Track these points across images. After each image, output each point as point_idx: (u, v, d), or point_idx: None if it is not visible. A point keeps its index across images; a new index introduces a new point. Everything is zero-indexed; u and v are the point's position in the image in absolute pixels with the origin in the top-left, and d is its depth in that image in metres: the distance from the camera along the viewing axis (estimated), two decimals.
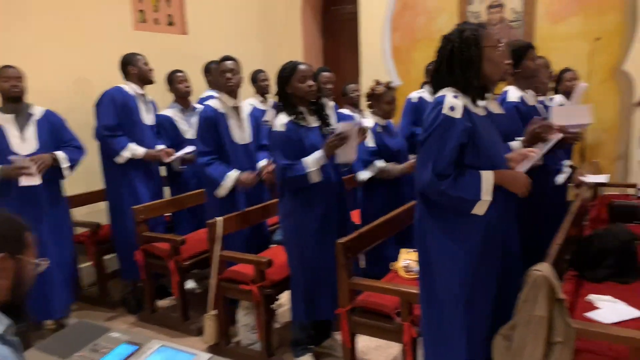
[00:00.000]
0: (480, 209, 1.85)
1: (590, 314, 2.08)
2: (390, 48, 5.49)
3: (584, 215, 3.60)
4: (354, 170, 3.20)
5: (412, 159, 3.27)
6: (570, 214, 2.63)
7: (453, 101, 1.82)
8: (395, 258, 2.77)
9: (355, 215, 3.24)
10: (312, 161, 2.54)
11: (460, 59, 1.85)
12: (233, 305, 3.03)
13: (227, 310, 2.99)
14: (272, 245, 3.31)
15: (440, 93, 1.89)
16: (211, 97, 3.50)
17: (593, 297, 2.21)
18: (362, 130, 2.75)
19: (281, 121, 2.61)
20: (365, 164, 3.16)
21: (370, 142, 3.14)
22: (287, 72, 2.61)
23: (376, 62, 5.50)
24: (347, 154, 2.56)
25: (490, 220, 1.87)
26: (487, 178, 1.83)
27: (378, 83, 3.24)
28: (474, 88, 1.89)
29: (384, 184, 3.20)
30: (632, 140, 4.46)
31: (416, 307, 2.20)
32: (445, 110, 1.81)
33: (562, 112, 2.32)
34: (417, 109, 4.11)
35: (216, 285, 2.90)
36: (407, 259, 2.70)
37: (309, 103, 2.69)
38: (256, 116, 4.29)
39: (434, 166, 1.81)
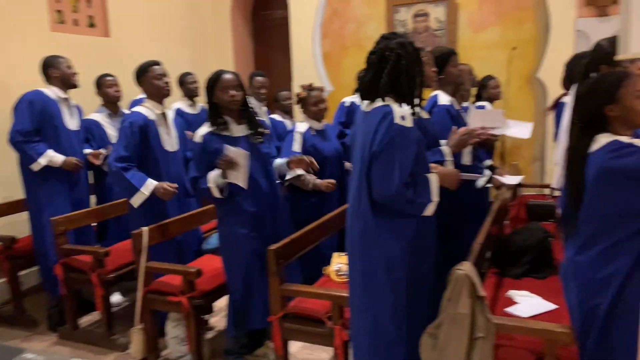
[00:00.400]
0: (430, 210, 1.93)
1: (510, 309, 2.18)
2: (320, 54, 5.55)
3: (505, 215, 3.80)
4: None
5: (347, 166, 3.27)
6: (490, 214, 2.76)
7: (401, 110, 1.86)
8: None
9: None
10: (211, 178, 2.54)
11: (407, 71, 1.89)
12: (162, 317, 2.93)
13: (155, 323, 2.88)
14: (206, 254, 3.23)
15: (379, 103, 1.90)
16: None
17: (512, 293, 2.33)
18: (299, 161, 2.78)
19: (200, 132, 2.59)
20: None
21: (296, 146, 3.11)
22: (211, 82, 2.58)
23: (308, 67, 5.54)
24: (236, 178, 2.51)
25: (425, 220, 1.97)
26: (434, 180, 1.94)
27: (303, 87, 3.27)
28: (414, 98, 1.95)
29: (306, 192, 3.15)
30: (547, 143, 4.76)
31: (347, 310, 2.22)
32: (397, 120, 1.83)
33: (478, 115, 2.46)
34: (349, 112, 4.16)
35: (143, 298, 2.78)
36: (339, 263, 2.73)
37: (238, 112, 2.65)
38: (189, 120, 4.18)
39: (400, 176, 1.82)
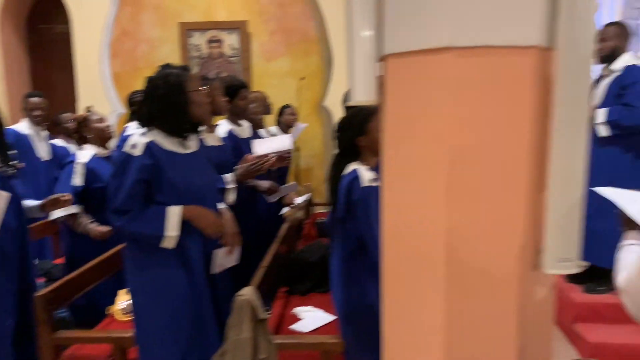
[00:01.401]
0: (168, 243, 1.87)
1: (294, 326, 2.31)
2: (110, 74, 5.21)
3: (299, 233, 4.05)
4: None
5: None
6: (279, 235, 2.90)
7: (137, 139, 1.87)
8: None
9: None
10: None
11: (168, 103, 1.88)
12: None
13: None
14: None
15: (137, 132, 1.92)
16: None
17: (297, 310, 2.47)
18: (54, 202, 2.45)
19: None
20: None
21: (77, 179, 2.79)
22: None
23: (95, 88, 5.14)
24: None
25: (192, 254, 1.93)
26: (174, 213, 1.86)
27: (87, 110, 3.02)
28: (184, 129, 1.94)
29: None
30: None
31: (132, 351, 2.08)
32: (126, 148, 1.86)
33: (261, 143, 2.58)
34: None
35: None
36: (126, 300, 2.55)
37: None
38: None
39: (113, 203, 1.83)
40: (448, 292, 1.12)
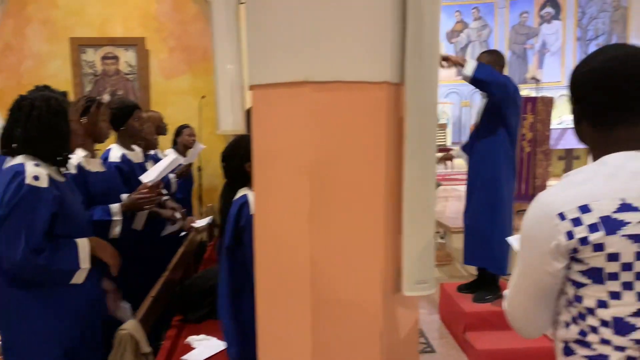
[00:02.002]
0: (79, 277, 1.78)
1: (187, 356, 2.23)
2: None
3: (201, 256, 3.94)
4: None
5: None
6: (172, 261, 2.81)
7: (36, 170, 1.69)
8: None
9: None
10: None
11: (50, 129, 1.74)
12: None
13: None
14: None
15: (16, 161, 1.72)
16: None
17: (190, 339, 2.39)
18: None
19: None
20: None
21: None
22: None
23: None
24: None
25: (91, 287, 1.83)
26: (84, 246, 1.78)
27: None
28: (60, 157, 1.82)
29: None
30: None
31: None
32: (28, 181, 1.66)
33: (150, 172, 2.48)
34: None
35: None
36: None
37: None
38: None
39: (28, 241, 1.64)
40: (314, 320, 1.14)
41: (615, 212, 0.85)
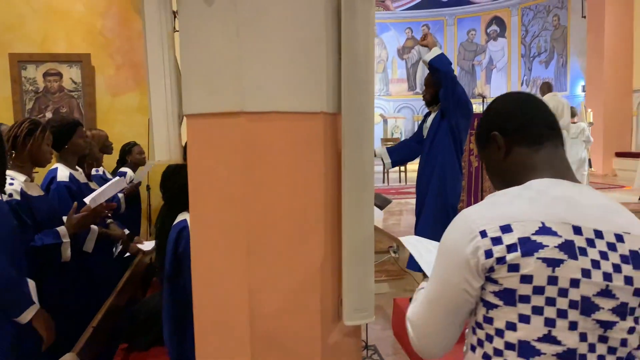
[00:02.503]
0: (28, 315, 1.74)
1: None
2: None
3: (149, 280, 3.81)
4: None
5: None
6: (117, 287, 2.71)
7: None
8: None
9: None
10: None
11: None
12: None
13: None
14: None
15: None
16: None
17: None
18: None
19: None
20: None
21: None
22: None
23: None
24: None
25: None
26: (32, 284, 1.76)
27: None
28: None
29: None
30: None
31: None
32: None
33: (95, 197, 2.39)
34: None
35: None
36: None
37: None
38: None
39: None
40: (253, 353, 1.12)
41: (534, 234, 0.86)
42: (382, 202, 3.12)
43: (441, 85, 3.06)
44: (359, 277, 1.13)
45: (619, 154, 9.47)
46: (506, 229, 0.87)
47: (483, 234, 0.88)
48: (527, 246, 0.86)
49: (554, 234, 0.86)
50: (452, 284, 0.92)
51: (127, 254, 3.34)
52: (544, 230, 0.87)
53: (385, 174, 8.71)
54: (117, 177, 2.67)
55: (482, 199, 4.53)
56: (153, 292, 3.24)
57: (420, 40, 3.16)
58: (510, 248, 0.86)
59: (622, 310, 0.86)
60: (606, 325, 0.86)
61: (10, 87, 4.61)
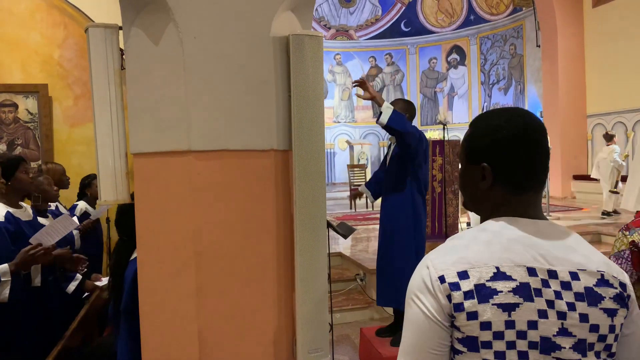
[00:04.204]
0: None
1: None
2: None
3: (106, 318, 3.67)
4: None
5: None
6: (70, 327, 2.59)
7: None
8: None
9: None
10: None
11: None
12: None
13: None
14: None
15: None
16: None
17: None
18: None
19: None
20: None
21: None
22: None
23: None
24: None
25: None
26: None
27: None
28: None
29: None
30: None
31: None
32: None
33: (43, 235, 2.30)
34: None
35: None
36: None
37: None
38: None
39: None
40: None
41: (489, 280, 0.87)
42: (346, 231, 3.11)
43: (406, 145, 3.07)
44: (313, 316, 1.11)
45: (577, 177, 9.80)
46: (463, 275, 0.88)
47: (442, 279, 0.88)
48: (483, 293, 0.86)
49: (509, 278, 0.87)
50: (424, 332, 0.91)
51: (86, 293, 3.21)
52: (499, 275, 0.87)
53: (352, 201, 8.72)
54: (64, 214, 2.56)
55: (445, 224, 4.55)
56: (110, 331, 3.11)
57: (359, 84, 2.99)
58: (467, 295, 0.87)
59: (581, 347, 0.87)
60: None
61: None
